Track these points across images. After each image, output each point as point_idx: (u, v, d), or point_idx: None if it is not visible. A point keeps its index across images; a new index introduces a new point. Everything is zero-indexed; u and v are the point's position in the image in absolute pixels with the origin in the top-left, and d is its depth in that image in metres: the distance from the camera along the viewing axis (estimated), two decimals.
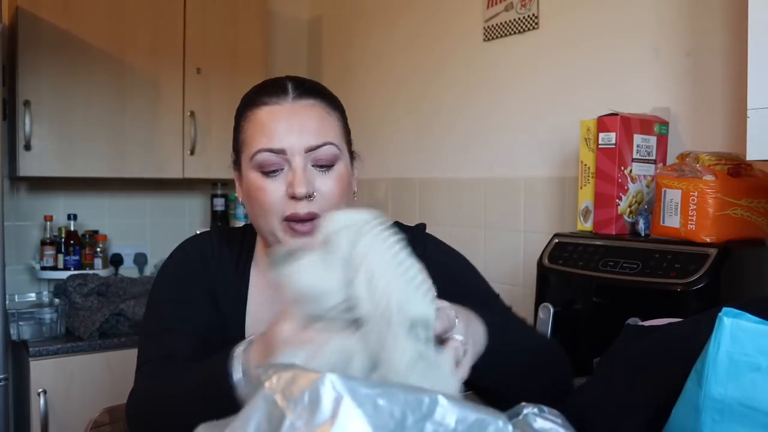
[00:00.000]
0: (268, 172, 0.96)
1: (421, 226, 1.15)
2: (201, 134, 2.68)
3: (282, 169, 0.96)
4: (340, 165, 0.99)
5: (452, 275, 1.06)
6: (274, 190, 0.96)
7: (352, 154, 1.06)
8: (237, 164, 1.03)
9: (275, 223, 0.97)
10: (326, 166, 0.98)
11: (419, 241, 1.09)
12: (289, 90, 0.98)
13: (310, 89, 1.00)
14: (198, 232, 1.16)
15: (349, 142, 1.04)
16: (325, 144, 0.97)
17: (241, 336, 1.03)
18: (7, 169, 2.47)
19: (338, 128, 1.01)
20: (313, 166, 0.97)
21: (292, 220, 0.95)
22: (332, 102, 1.02)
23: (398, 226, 1.14)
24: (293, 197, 0.94)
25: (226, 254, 1.09)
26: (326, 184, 0.97)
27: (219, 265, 1.08)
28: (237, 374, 0.78)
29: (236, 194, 1.07)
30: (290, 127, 0.96)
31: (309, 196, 0.95)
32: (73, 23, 2.45)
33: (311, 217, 0.95)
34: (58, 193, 2.76)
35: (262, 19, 2.85)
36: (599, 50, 1.84)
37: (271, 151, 0.95)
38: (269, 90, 0.99)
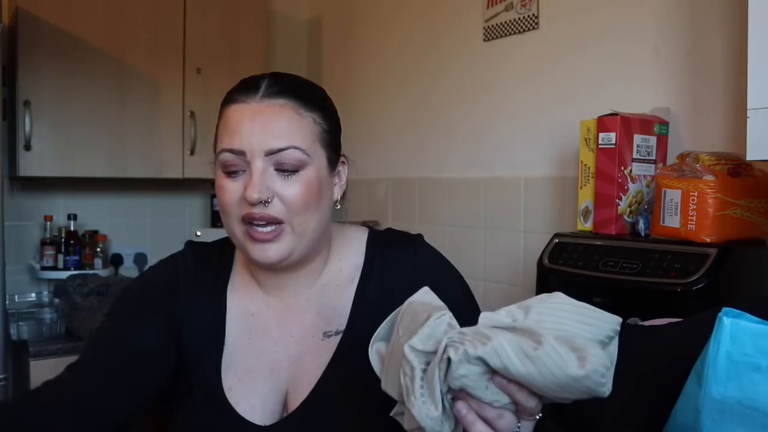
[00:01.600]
0: (229, 172, 0.93)
1: (419, 238, 1.07)
2: (201, 134, 2.68)
3: (243, 171, 0.92)
4: (308, 170, 0.93)
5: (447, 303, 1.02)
6: (233, 190, 0.92)
7: (338, 159, 1.00)
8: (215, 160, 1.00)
9: (235, 225, 0.93)
10: (290, 171, 0.92)
11: (414, 260, 1.03)
12: (260, 88, 0.93)
13: (283, 89, 0.94)
14: (173, 254, 1.09)
15: (329, 146, 0.97)
16: (288, 148, 0.91)
17: (216, 373, 0.98)
18: (7, 169, 2.47)
19: (310, 131, 0.94)
20: (276, 169, 0.91)
21: (246, 221, 0.91)
22: (309, 103, 0.95)
23: (394, 236, 1.07)
24: (248, 201, 0.91)
25: (200, 281, 1.04)
26: (288, 189, 0.91)
27: (191, 297, 1.02)
28: None
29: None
30: (252, 128, 0.91)
31: (264, 202, 0.90)
32: (73, 23, 2.45)
33: (269, 221, 0.91)
34: (58, 193, 2.76)
35: (262, 19, 2.85)
36: (599, 50, 1.84)
37: (231, 151, 0.92)
38: (243, 87, 0.95)
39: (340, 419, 0.92)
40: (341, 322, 0.99)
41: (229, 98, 0.96)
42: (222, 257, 1.07)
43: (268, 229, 0.91)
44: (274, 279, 1.01)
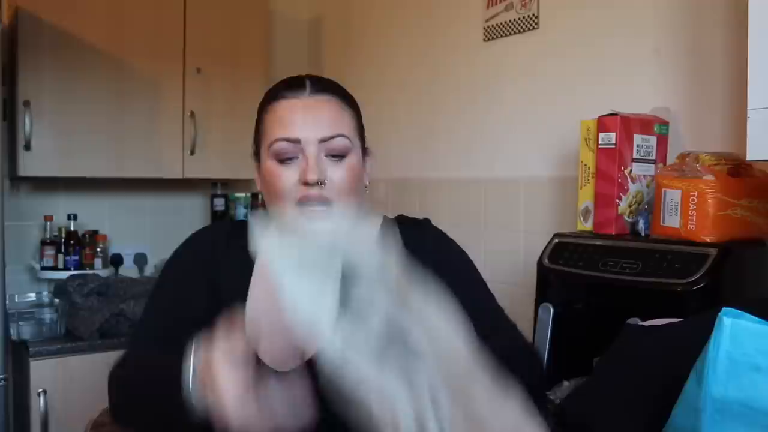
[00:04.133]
0: (283, 159, 1.03)
1: (427, 220, 1.20)
2: (201, 134, 2.67)
3: (296, 158, 1.03)
4: (351, 157, 1.05)
5: (452, 273, 1.08)
6: (288, 176, 1.02)
7: (365, 151, 1.12)
8: (257, 155, 1.10)
9: (289, 207, 1.03)
10: (338, 156, 1.04)
11: (423, 235, 1.15)
12: (306, 86, 1.06)
13: (326, 86, 1.08)
14: (214, 222, 1.20)
15: (362, 138, 1.11)
16: (337, 135, 1.03)
17: (242, 318, 1.07)
18: (7, 169, 2.46)
19: (351, 123, 1.08)
20: (326, 156, 1.03)
21: (303, 201, 1.02)
22: (347, 99, 1.09)
23: (403, 219, 1.19)
24: (305, 183, 1.01)
25: (235, 243, 1.15)
26: (337, 173, 1.03)
27: (226, 254, 1.13)
28: (190, 383, 0.86)
29: (255, 184, 1.13)
30: (305, 119, 1.03)
31: (320, 183, 1.01)
32: (73, 23, 2.45)
33: (323, 200, 1.02)
34: (58, 193, 2.76)
35: (262, 19, 2.85)
36: (599, 50, 1.84)
37: (287, 140, 1.02)
38: (288, 85, 1.07)
39: None
40: None
41: (275, 95, 1.07)
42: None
43: (319, 207, 1.02)
44: None
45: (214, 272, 1.11)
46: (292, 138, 1.02)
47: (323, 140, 1.03)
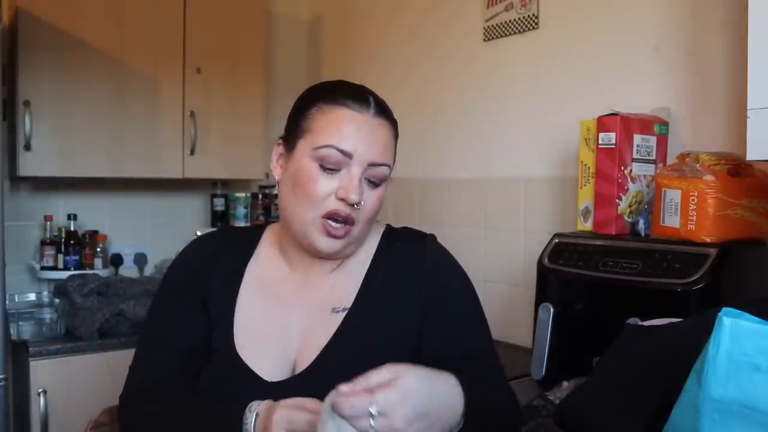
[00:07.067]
0: (326, 167, 1.01)
1: (432, 237, 1.16)
2: (201, 134, 2.67)
3: (340, 170, 1.01)
4: (384, 186, 1.06)
5: (446, 299, 1.09)
6: (325, 185, 1.00)
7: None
8: (288, 143, 1.06)
9: (311, 214, 1.02)
10: (375, 183, 1.04)
11: (422, 255, 1.11)
12: (371, 104, 1.04)
13: (385, 110, 1.07)
14: (208, 231, 1.19)
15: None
16: (384, 164, 1.04)
17: (229, 332, 1.07)
18: (7, 169, 2.46)
19: (394, 154, 1.08)
20: (365, 178, 1.02)
21: (331, 216, 1.01)
22: (396, 129, 1.10)
23: (407, 231, 1.17)
24: (342, 200, 1.00)
25: (226, 254, 1.14)
26: (370, 199, 1.03)
27: (216, 266, 1.13)
28: None
29: (272, 170, 1.10)
30: (363, 137, 1.01)
31: (356, 204, 1.00)
32: (73, 23, 2.44)
33: (349, 221, 1.01)
34: (58, 193, 2.76)
35: (262, 19, 2.85)
36: (599, 50, 1.84)
37: (339, 150, 1.00)
38: (352, 95, 1.04)
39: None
40: (349, 300, 1.08)
41: (338, 100, 1.03)
42: (250, 236, 1.18)
43: (341, 226, 1.02)
44: (306, 259, 1.10)
45: (203, 288, 1.10)
46: (346, 151, 1.00)
47: (372, 164, 1.02)
